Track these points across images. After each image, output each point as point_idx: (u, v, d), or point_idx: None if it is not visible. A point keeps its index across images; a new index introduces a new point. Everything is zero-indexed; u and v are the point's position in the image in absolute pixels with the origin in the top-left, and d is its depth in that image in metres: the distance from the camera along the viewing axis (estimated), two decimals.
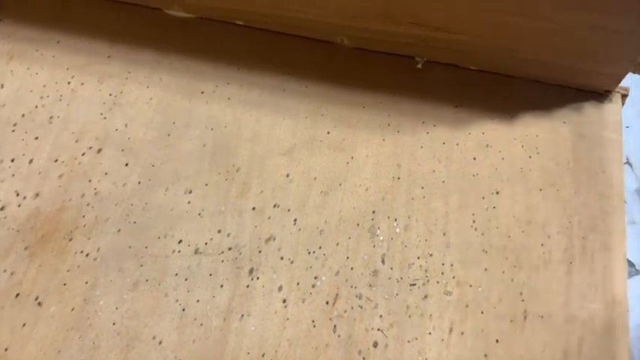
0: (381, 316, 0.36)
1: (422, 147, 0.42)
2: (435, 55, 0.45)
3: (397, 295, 0.36)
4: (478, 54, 0.44)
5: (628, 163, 0.44)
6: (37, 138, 0.41)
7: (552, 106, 0.44)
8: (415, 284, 0.37)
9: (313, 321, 0.36)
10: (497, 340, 0.35)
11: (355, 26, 0.44)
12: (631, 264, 0.40)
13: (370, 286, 0.37)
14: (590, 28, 0.38)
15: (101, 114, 0.42)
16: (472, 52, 0.44)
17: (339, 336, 0.35)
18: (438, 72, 0.45)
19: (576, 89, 0.44)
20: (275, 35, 0.46)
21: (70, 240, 0.37)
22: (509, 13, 0.39)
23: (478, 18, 0.40)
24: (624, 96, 0.45)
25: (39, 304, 0.36)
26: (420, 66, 0.45)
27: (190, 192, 0.39)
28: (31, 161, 0.40)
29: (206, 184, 0.39)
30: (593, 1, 0.36)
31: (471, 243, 0.38)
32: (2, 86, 0.43)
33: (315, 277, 0.37)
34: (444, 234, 0.39)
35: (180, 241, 0.37)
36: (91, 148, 0.41)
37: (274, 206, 0.39)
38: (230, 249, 0.37)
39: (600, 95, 0.44)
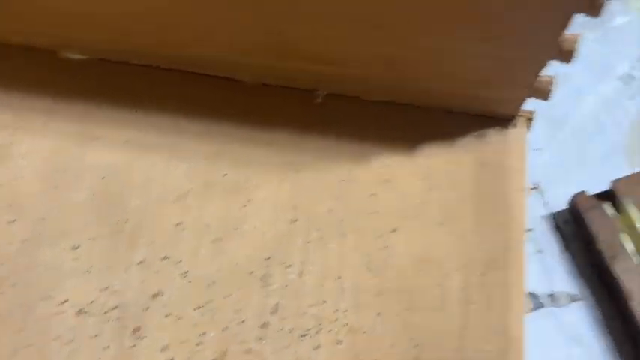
0: None
1: (320, 186, 0.41)
2: (336, 87, 0.44)
3: (288, 346, 0.35)
4: (377, 86, 0.43)
5: (536, 188, 0.43)
6: None
7: (455, 134, 0.43)
8: (307, 334, 0.36)
9: None
10: None
11: (251, 62, 0.43)
12: (535, 296, 0.39)
13: (260, 339, 0.36)
14: (478, 56, 0.37)
15: None
16: (370, 85, 0.43)
17: None
18: (340, 105, 0.44)
19: (480, 116, 0.43)
20: (174, 73, 0.45)
21: None
22: (393, 46, 0.38)
23: (365, 52, 0.39)
24: (530, 120, 0.44)
25: None
26: (320, 100, 0.44)
27: (77, 247, 0.38)
28: None
29: (93, 238, 0.38)
30: (477, 30, 0.35)
31: (366, 286, 0.37)
32: None
33: (203, 334, 0.36)
34: (339, 278, 0.38)
35: (64, 301, 0.36)
36: None
37: (163, 258, 0.38)
38: (116, 307, 0.36)
39: (504, 121, 0.43)
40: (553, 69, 0.37)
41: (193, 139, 0.42)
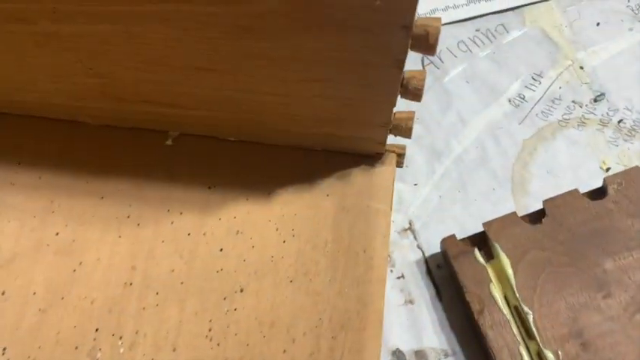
0: None
1: (163, 241, 0.37)
2: (187, 128, 0.40)
3: None
4: (229, 126, 0.39)
5: (410, 229, 0.40)
6: None
7: (316, 176, 0.39)
8: None
9: None
10: None
11: (87, 105, 0.38)
12: (400, 354, 0.36)
13: None
14: (320, 96, 0.34)
15: None
16: (222, 125, 0.39)
17: None
18: (191, 146, 0.40)
19: (343, 153, 0.40)
20: (7, 117, 0.41)
21: None
22: (231, 90, 0.34)
23: (203, 95, 0.35)
24: (400, 155, 0.40)
25: None
26: (170, 142, 0.40)
27: None
28: None
29: None
30: (307, 72, 0.32)
31: (204, 357, 0.34)
32: None
33: None
34: (174, 349, 0.34)
35: None
36: None
37: None
38: None
39: (371, 158, 0.40)
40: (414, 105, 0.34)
41: (24, 193, 0.38)
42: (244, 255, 0.37)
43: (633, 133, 0.45)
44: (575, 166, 0.44)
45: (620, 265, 0.36)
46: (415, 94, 0.33)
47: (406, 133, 0.37)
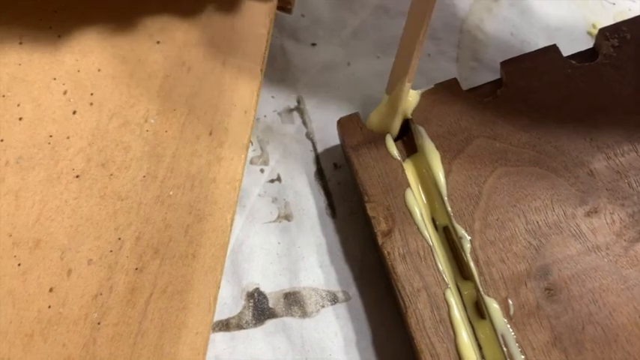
0: None
1: None
2: None
3: None
4: None
5: (298, 109, 0.26)
6: None
7: (139, 9, 0.24)
8: None
9: None
10: None
11: None
12: (261, 297, 0.23)
13: None
14: None
15: None
16: None
17: None
18: None
19: None
20: None
21: None
22: None
23: None
24: None
25: None
26: None
27: None
28: None
29: None
30: None
31: None
32: None
33: None
34: None
35: None
36: None
37: None
38: None
39: None
40: None
41: None
42: (4, 131, 0.22)
43: None
44: (553, 28, 0.29)
45: (615, 164, 0.23)
46: None
47: None
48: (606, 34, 0.24)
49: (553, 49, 0.24)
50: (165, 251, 0.21)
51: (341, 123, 0.24)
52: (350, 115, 0.24)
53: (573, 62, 0.24)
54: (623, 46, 0.24)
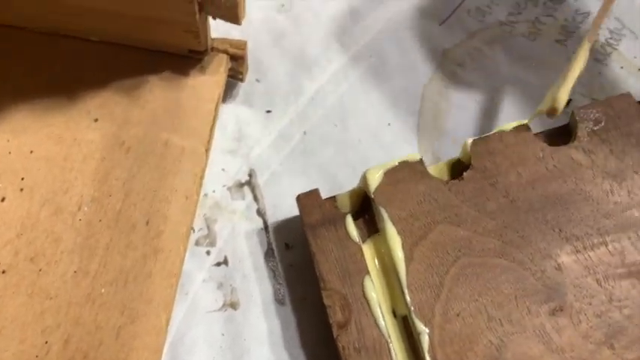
0: None
1: None
2: None
3: None
4: None
5: (249, 185, 0.24)
6: None
7: (77, 86, 0.23)
8: None
9: None
10: None
11: None
12: None
13: None
14: None
15: None
16: None
17: None
18: None
19: (135, 48, 0.23)
20: None
21: None
22: None
23: None
24: (237, 58, 0.24)
25: None
26: None
27: None
28: None
29: None
30: None
31: None
32: None
33: None
34: None
35: None
36: None
37: None
38: None
39: (183, 60, 0.23)
40: None
41: None
42: None
43: (609, 50, 0.30)
44: (520, 94, 0.28)
45: (584, 258, 0.21)
46: None
47: (229, 13, 0.21)
48: (581, 115, 0.23)
49: (522, 129, 0.23)
50: (95, 356, 0.20)
51: (300, 199, 0.23)
52: (309, 192, 0.23)
53: (544, 144, 0.23)
54: (597, 130, 0.23)
